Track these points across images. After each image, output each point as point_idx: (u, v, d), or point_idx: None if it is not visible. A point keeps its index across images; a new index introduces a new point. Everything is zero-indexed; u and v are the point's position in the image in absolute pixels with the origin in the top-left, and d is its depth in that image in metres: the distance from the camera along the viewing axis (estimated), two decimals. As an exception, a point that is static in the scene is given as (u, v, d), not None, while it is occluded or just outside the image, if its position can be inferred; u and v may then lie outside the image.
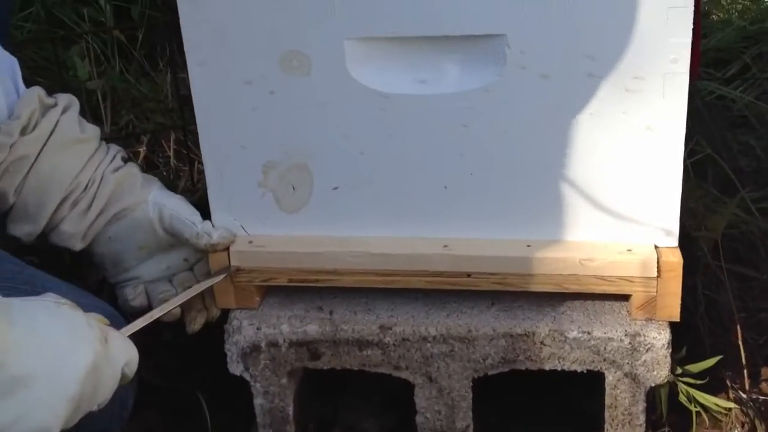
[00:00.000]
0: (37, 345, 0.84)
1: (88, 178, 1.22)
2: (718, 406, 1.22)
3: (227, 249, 1.25)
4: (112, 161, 1.25)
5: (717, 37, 2.11)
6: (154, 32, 2.27)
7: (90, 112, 1.97)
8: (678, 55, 1.08)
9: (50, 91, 1.23)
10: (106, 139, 1.29)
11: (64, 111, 1.21)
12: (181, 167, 1.92)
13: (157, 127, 1.96)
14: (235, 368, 1.27)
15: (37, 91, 1.19)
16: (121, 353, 0.92)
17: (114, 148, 1.27)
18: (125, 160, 1.27)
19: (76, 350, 0.86)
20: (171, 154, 1.95)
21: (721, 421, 1.25)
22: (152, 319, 1.10)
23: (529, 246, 1.19)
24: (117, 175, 1.24)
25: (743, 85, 1.98)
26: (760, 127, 1.81)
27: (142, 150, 1.92)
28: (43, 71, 1.97)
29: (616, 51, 1.09)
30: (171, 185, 1.79)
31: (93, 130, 1.24)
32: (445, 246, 1.21)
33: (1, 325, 0.81)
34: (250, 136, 1.21)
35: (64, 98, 1.22)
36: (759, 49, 2.08)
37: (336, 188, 1.23)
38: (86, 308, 1.13)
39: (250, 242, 1.25)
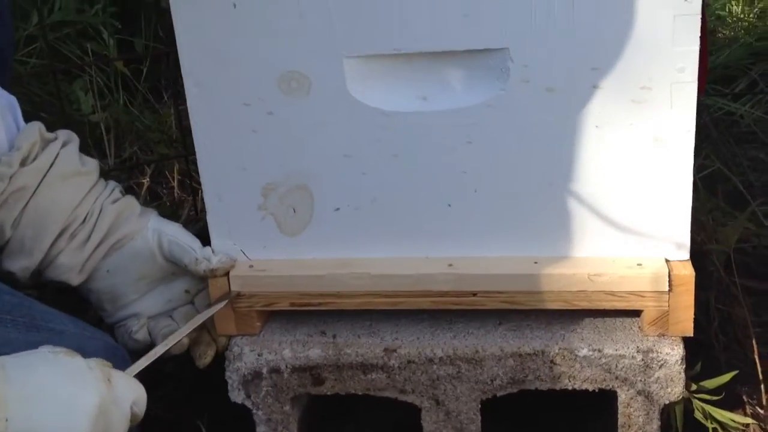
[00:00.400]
0: (39, 397, 0.83)
1: (87, 211, 1.20)
2: (734, 422, 1.18)
3: (227, 274, 1.22)
4: (110, 194, 1.24)
5: (724, 54, 2.09)
6: (157, 65, 2.28)
7: (93, 145, 1.97)
8: (685, 64, 1.05)
9: (53, 126, 1.23)
10: (110, 170, 1.28)
11: (63, 145, 1.20)
12: (184, 197, 1.91)
13: (160, 158, 1.96)
14: (237, 396, 1.24)
15: (38, 125, 1.19)
16: (127, 392, 0.91)
17: (112, 183, 1.26)
18: (123, 194, 1.26)
19: (80, 395, 0.85)
20: (175, 184, 1.94)
21: (738, 438, 1.21)
22: (157, 356, 1.07)
23: (536, 263, 1.16)
24: (116, 206, 1.22)
25: (751, 100, 1.96)
26: (768, 142, 1.78)
27: (146, 181, 1.92)
28: (47, 106, 1.97)
29: (621, 61, 1.07)
30: (174, 215, 1.79)
31: (92, 164, 1.23)
32: (450, 265, 1.18)
33: None
34: (250, 157, 1.19)
35: (64, 133, 1.22)
36: (766, 65, 2.06)
37: (338, 209, 1.20)
38: (88, 340, 1.11)
39: (251, 266, 1.23)
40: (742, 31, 2.25)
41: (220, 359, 1.26)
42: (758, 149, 1.76)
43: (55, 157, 1.18)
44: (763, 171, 1.68)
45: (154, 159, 1.98)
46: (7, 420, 0.79)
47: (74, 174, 1.20)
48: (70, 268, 1.21)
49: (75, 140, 1.23)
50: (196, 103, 1.18)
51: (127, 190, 1.93)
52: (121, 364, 1.02)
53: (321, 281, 1.20)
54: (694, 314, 1.15)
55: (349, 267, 1.20)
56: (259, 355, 1.22)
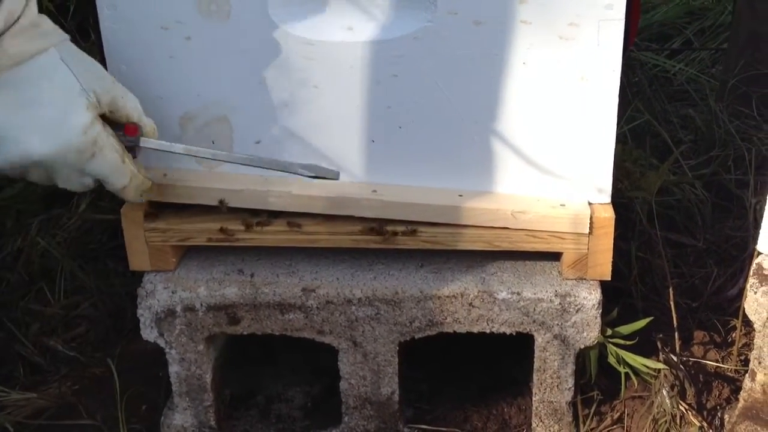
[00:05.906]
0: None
1: None
2: (647, 367, 1.18)
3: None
4: None
5: (661, 11, 2.09)
6: (86, 3, 2.18)
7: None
8: (613, 1, 1.03)
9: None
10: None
11: None
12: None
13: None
14: (149, 334, 1.20)
15: None
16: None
17: None
18: None
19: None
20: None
21: (650, 383, 1.21)
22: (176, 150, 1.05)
23: (461, 196, 1.14)
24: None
25: (686, 59, 1.97)
26: (699, 100, 1.79)
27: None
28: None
29: (550, -4, 1.04)
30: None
31: None
32: (375, 191, 1.14)
33: None
34: (166, 86, 1.14)
35: None
36: (701, 24, 2.07)
37: (258, 142, 1.16)
38: None
39: (165, 175, 1.16)
40: (680, -10, 2.25)
41: (134, 298, 1.22)
42: (689, 107, 1.77)
43: None
44: (693, 129, 1.68)
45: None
46: None
47: None
48: None
49: None
50: (110, 26, 1.12)
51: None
52: None
53: (240, 196, 1.15)
54: (615, 262, 1.15)
55: (269, 185, 1.15)
56: (173, 293, 1.18)
